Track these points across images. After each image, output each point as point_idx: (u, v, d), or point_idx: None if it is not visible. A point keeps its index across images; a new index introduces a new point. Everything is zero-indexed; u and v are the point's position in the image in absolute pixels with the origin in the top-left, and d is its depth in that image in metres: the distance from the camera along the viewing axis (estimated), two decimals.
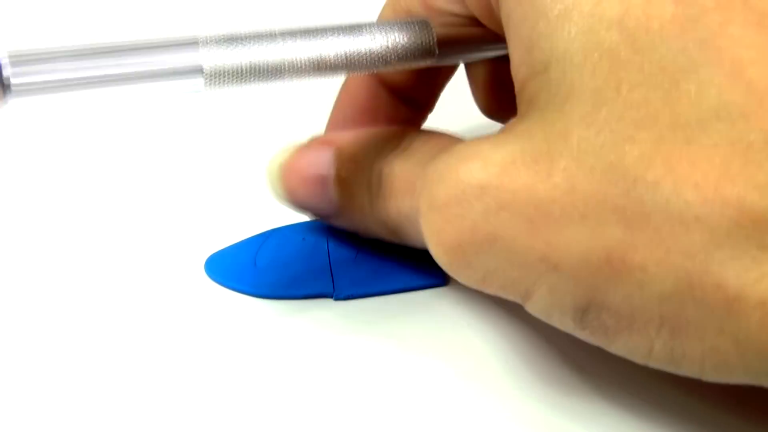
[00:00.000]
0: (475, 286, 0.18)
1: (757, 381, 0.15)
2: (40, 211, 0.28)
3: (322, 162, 0.23)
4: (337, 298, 0.24)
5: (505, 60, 0.19)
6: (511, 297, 0.18)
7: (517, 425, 0.21)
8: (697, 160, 0.14)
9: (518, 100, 0.17)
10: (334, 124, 0.25)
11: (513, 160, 0.16)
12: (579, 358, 0.22)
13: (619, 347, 0.17)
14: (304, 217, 0.26)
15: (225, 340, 0.23)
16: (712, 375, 0.16)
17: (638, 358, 0.17)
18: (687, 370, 0.16)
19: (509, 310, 0.23)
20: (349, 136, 0.23)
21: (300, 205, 0.24)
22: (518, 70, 0.17)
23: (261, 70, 0.20)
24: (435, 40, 0.20)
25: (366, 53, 0.19)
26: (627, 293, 0.15)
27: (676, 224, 0.14)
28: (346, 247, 0.26)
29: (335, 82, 0.33)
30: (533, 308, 0.18)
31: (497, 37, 0.20)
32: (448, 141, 0.21)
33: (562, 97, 0.15)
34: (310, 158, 0.23)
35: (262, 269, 0.25)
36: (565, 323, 0.17)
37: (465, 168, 0.16)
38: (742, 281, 0.14)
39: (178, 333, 0.23)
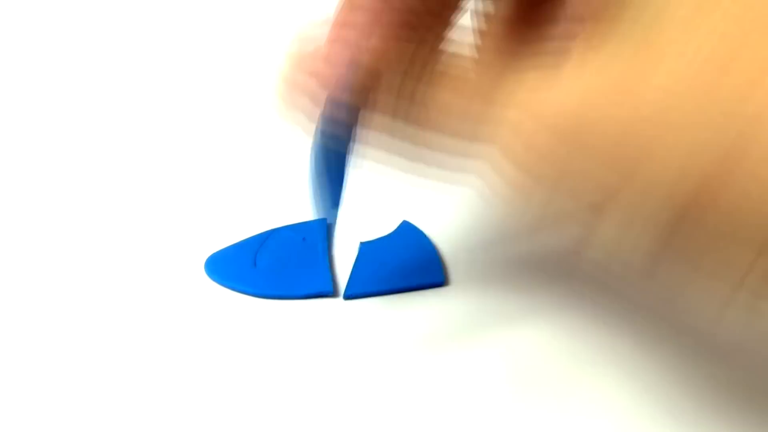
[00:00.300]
0: (541, 185, 0.17)
1: None
2: (40, 212, 0.28)
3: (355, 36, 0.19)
4: (337, 298, 0.24)
5: None
6: (582, 204, 0.17)
7: (517, 424, 0.21)
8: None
9: (594, 8, 0.16)
10: None
11: (600, 91, 0.15)
12: (579, 358, 0.22)
13: (708, 264, 0.16)
14: (304, 218, 0.26)
15: (225, 340, 0.23)
16: None
17: (728, 280, 0.16)
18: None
19: (509, 310, 0.23)
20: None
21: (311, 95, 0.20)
22: None
23: None
24: None
25: None
26: (738, 202, 0.14)
27: None
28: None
29: None
30: (607, 221, 0.17)
31: None
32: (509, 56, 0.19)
33: (650, 18, 0.15)
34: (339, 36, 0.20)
35: (262, 269, 0.25)
36: (640, 242, 0.16)
37: (561, 88, 0.16)
38: None
39: (178, 333, 0.23)
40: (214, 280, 0.25)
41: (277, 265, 0.25)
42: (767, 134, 0.14)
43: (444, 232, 0.26)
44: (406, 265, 0.25)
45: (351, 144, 0.23)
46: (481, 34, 0.19)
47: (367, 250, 0.25)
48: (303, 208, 0.27)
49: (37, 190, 0.29)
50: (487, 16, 0.21)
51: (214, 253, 0.26)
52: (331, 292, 0.24)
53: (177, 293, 0.24)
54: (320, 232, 0.26)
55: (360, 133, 0.21)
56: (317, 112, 0.20)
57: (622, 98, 0.15)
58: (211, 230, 0.27)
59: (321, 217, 0.25)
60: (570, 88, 0.16)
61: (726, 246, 0.15)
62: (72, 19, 0.38)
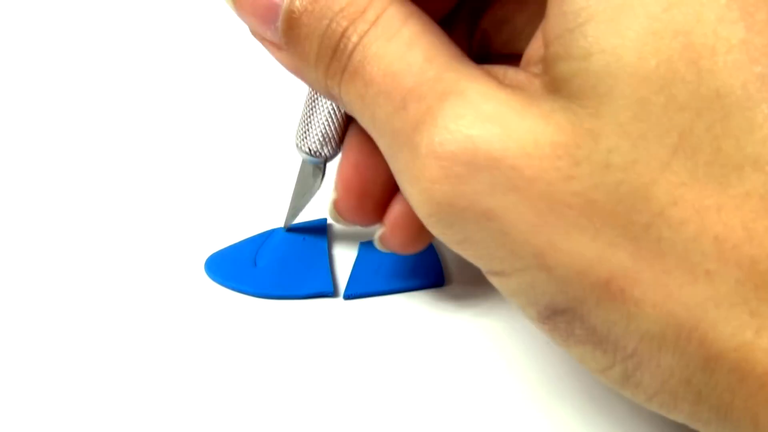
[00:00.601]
0: (445, 242, 0.16)
1: (695, 427, 0.15)
2: (41, 212, 0.28)
3: None
4: (337, 298, 0.24)
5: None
6: (480, 266, 0.16)
7: (517, 423, 0.21)
8: (725, 207, 0.13)
9: (545, 66, 0.15)
10: None
11: (537, 144, 0.14)
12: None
13: (575, 353, 0.16)
14: (304, 218, 0.26)
15: (225, 340, 0.23)
16: (655, 408, 0.16)
17: (589, 368, 0.16)
18: (632, 395, 0.16)
19: (509, 310, 0.23)
20: None
21: (245, 22, 0.19)
22: (551, 33, 0.15)
23: None
24: None
25: None
26: (612, 319, 0.14)
27: (687, 272, 0.14)
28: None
29: None
30: (502, 287, 0.16)
31: None
32: (437, 40, 0.16)
33: (601, 95, 0.14)
34: None
35: (262, 269, 0.25)
36: (528, 312, 0.16)
37: (483, 130, 0.14)
38: (726, 344, 0.14)
39: (178, 333, 0.23)
40: (214, 280, 0.25)
41: (277, 265, 0.25)
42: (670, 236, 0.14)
43: None
44: (406, 265, 0.25)
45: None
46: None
47: (367, 250, 0.25)
48: (303, 209, 0.27)
49: (37, 190, 0.28)
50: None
51: (214, 253, 0.26)
52: (331, 292, 0.24)
53: (177, 293, 0.24)
54: (320, 232, 0.26)
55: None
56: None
57: (553, 168, 0.14)
58: (211, 230, 0.27)
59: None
60: (509, 122, 0.14)
61: (590, 345, 0.15)
62: (72, 19, 0.38)
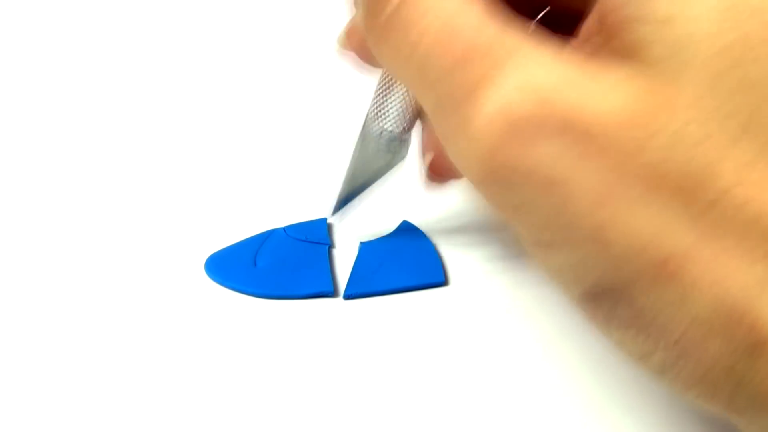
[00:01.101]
0: (496, 206, 0.16)
1: (727, 416, 0.15)
2: (41, 213, 0.28)
3: None
4: (337, 298, 0.24)
5: None
6: (526, 235, 0.16)
7: (518, 424, 0.21)
8: None
9: (611, 32, 0.15)
10: None
11: (613, 110, 0.13)
12: (579, 357, 0.22)
13: (614, 337, 0.16)
14: (304, 218, 0.26)
15: (225, 340, 0.23)
16: (691, 397, 0.15)
17: (628, 353, 0.16)
18: (670, 384, 0.15)
19: (509, 310, 0.23)
20: None
21: None
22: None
23: None
24: None
25: None
26: (663, 301, 0.14)
27: (746, 253, 0.13)
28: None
29: (335, 88, 0.33)
30: (547, 260, 0.16)
31: None
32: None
33: (681, 63, 0.13)
34: None
35: (262, 269, 0.25)
36: (571, 290, 0.16)
37: (558, 93, 0.14)
38: None
39: (179, 332, 0.23)
40: (214, 280, 0.25)
41: (277, 265, 0.25)
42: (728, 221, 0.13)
43: (444, 232, 0.26)
44: (406, 265, 0.25)
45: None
46: None
47: (367, 250, 0.25)
48: (303, 208, 0.27)
49: (37, 190, 0.29)
50: None
51: (214, 253, 0.26)
52: (331, 292, 0.24)
53: (177, 293, 0.24)
54: (320, 232, 0.26)
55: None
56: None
57: (628, 137, 0.14)
58: (211, 230, 0.27)
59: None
60: (572, 85, 0.14)
61: (634, 328, 0.15)
62: (72, 19, 0.38)
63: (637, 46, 0.14)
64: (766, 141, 0.13)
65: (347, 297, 0.24)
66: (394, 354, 0.22)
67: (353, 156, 0.24)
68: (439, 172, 0.21)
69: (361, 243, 0.26)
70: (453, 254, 0.26)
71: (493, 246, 0.26)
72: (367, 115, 0.23)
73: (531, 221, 0.15)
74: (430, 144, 0.21)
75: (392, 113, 0.22)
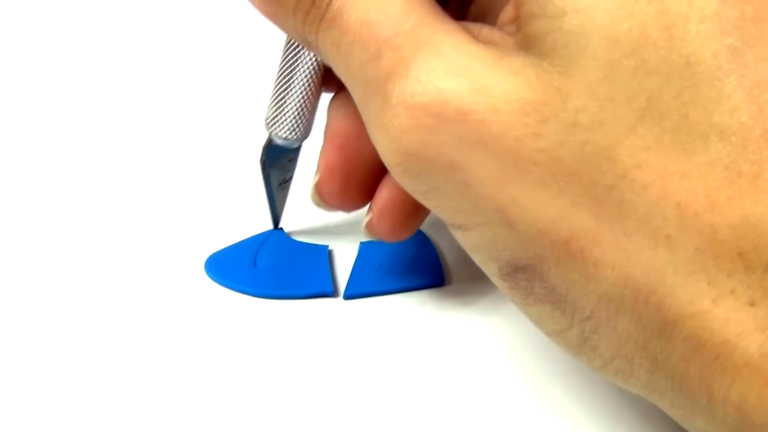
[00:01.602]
0: (411, 192, 0.17)
1: (651, 399, 0.15)
2: (41, 213, 0.28)
3: None
4: (337, 298, 0.24)
5: None
6: (443, 219, 0.17)
7: (517, 424, 0.21)
8: (689, 174, 0.13)
9: (518, 24, 0.15)
10: None
11: (505, 99, 0.14)
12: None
13: (533, 313, 0.16)
14: (304, 218, 0.26)
15: (225, 340, 0.23)
16: (611, 376, 0.16)
17: (545, 329, 0.16)
18: (587, 361, 0.16)
19: (508, 310, 0.23)
20: None
21: None
22: None
23: None
24: None
25: None
26: (571, 279, 0.15)
27: (647, 236, 0.14)
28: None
29: None
30: (464, 241, 0.17)
31: None
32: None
33: (572, 54, 0.14)
34: None
35: (262, 269, 0.25)
36: (489, 268, 0.16)
37: (453, 83, 0.15)
38: (683, 310, 0.14)
39: (179, 332, 0.23)
40: (214, 279, 0.25)
41: (277, 265, 0.25)
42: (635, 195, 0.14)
43: (444, 232, 0.26)
44: (406, 265, 0.25)
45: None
46: None
47: (367, 250, 0.25)
48: (303, 208, 0.27)
49: (37, 190, 0.28)
50: None
51: (214, 253, 0.26)
52: (331, 292, 0.24)
53: (177, 293, 0.24)
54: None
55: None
56: None
57: (520, 124, 0.14)
58: (211, 230, 0.27)
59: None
60: (479, 76, 0.14)
61: (548, 304, 0.16)
62: (73, 20, 0.38)
63: (533, 38, 0.15)
64: (666, 126, 0.14)
65: (347, 297, 0.24)
66: (394, 354, 0.22)
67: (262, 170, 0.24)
68: (324, 197, 0.21)
69: (361, 243, 0.26)
70: (453, 254, 0.26)
71: None
72: (267, 117, 0.22)
73: (442, 206, 0.16)
74: (323, 163, 0.21)
75: (291, 112, 0.21)
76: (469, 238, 0.16)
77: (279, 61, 0.21)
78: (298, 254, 0.25)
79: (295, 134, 0.22)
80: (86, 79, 0.34)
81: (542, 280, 0.15)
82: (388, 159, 0.16)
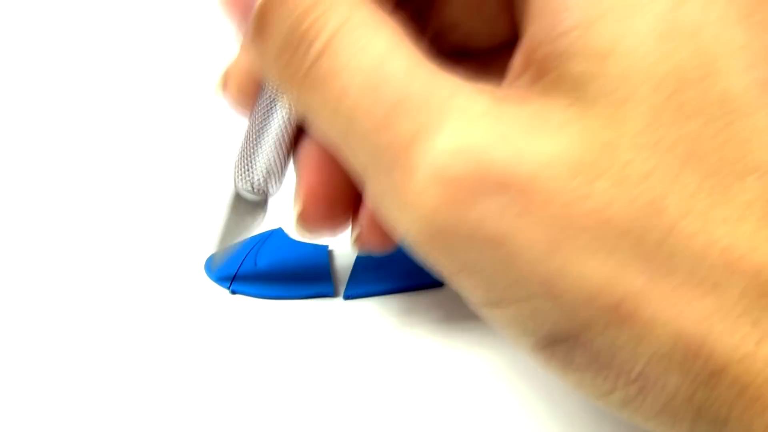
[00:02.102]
0: (439, 270, 0.15)
1: None
2: (41, 213, 0.28)
3: None
4: (337, 298, 0.24)
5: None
6: (473, 296, 0.15)
7: (517, 424, 0.21)
8: (730, 218, 0.13)
9: (539, 69, 0.14)
10: None
11: (550, 163, 0.13)
12: None
13: (571, 380, 0.15)
14: None
15: (225, 340, 0.23)
16: (651, 427, 0.15)
17: (586, 394, 0.16)
18: (630, 418, 0.15)
19: None
20: None
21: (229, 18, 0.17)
22: (549, 31, 0.14)
23: None
24: None
25: None
26: (619, 343, 0.14)
27: (696, 287, 0.13)
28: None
29: None
30: (497, 318, 0.15)
31: None
32: (413, 49, 0.15)
33: (618, 102, 0.13)
34: None
35: (262, 269, 0.25)
36: (523, 342, 0.15)
37: (491, 152, 0.13)
38: (730, 356, 0.13)
39: (179, 332, 0.23)
40: (215, 280, 0.25)
41: (277, 265, 0.25)
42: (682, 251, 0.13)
43: None
44: (405, 265, 0.25)
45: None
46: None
47: None
48: None
49: (36, 190, 0.29)
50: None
51: (214, 253, 0.26)
52: (331, 293, 0.24)
53: (177, 293, 0.24)
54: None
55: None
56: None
57: (567, 188, 0.13)
58: (211, 230, 0.26)
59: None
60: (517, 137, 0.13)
61: (591, 371, 0.15)
62: (75, 20, 0.38)
63: (574, 83, 0.13)
64: (707, 170, 0.13)
65: (347, 297, 0.24)
66: (393, 354, 0.22)
67: (224, 216, 0.22)
68: (311, 225, 0.20)
69: None
70: None
71: None
72: (235, 169, 0.21)
73: (477, 282, 0.15)
74: (303, 192, 0.19)
75: (262, 166, 0.20)
76: (503, 315, 0.15)
77: (250, 112, 0.20)
78: (298, 254, 0.25)
79: (269, 185, 0.20)
80: (86, 81, 0.34)
81: (584, 348, 0.14)
82: (414, 238, 0.15)
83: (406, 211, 0.14)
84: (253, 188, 0.20)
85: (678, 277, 0.13)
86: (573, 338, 0.14)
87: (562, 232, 0.13)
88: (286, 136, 0.20)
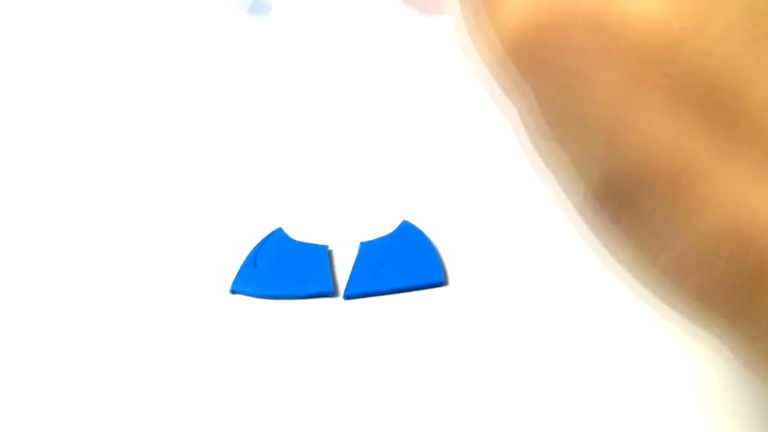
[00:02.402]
0: (516, 87, 0.15)
1: (726, 345, 0.15)
2: (41, 213, 0.28)
3: None
4: (337, 298, 0.24)
5: None
6: (537, 125, 0.15)
7: (517, 424, 0.21)
8: None
9: None
10: None
11: (641, 14, 0.13)
12: (579, 358, 0.22)
13: (617, 240, 0.15)
14: (304, 218, 0.26)
15: (225, 340, 0.23)
16: (689, 314, 0.15)
17: (628, 257, 0.15)
18: (666, 298, 0.15)
19: (509, 310, 0.23)
20: None
21: None
22: None
23: None
24: None
25: None
26: (671, 213, 0.14)
27: (761, 179, 0.13)
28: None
29: (336, 90, 0.33)
30: (555, 152, 0.15)
31: None
32: None
33: None
34: None
35: (262, 269, 0.25)
36: (575, 186, 0.15)
37: None
38: None
39: (178, 332, 0.23)
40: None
41: (277, 265, 0.25)
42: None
43: (444, 232, 0.26)
44: (406, 265, 0.25)
45: None
46: None
47: (367, 250, 0.25)
48: (303, 209, 0.27)
49: (36, 190, 0.29)
50: None
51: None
52: (332, 292, 0.24)
53: (177, 293, 0.24)
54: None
55: None
56: None
57: (651, 45, 0.13)
58: (211, 230, 0.26)
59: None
60: None
61: (641, 237, 0.14)
62: (77, 20, 0.38)
63: None
64: None
65: (347, 297, 0.24)
66: (393, 354, 0.22)
67: None
68: None
69: (361, 243, 0.26)
70: (453, 254, 0.26)
71: (493, 246, 0.26)
72: None
73: (548, 111, 0.15)
74: None
75: None
76: (564, 152, 0.15)
77: None
78: (298, 254, 0.25)
79: None
80: (90, 82, 0.34)
81: (635, 209, 0.14)
82: (500, 47, 0.15)
83: (496, 21, 0.14)
84: None
85: (745, 163, 0.13)
86: (626, 196, 0.14)
87: (636, 86, 0.13)
88: None
